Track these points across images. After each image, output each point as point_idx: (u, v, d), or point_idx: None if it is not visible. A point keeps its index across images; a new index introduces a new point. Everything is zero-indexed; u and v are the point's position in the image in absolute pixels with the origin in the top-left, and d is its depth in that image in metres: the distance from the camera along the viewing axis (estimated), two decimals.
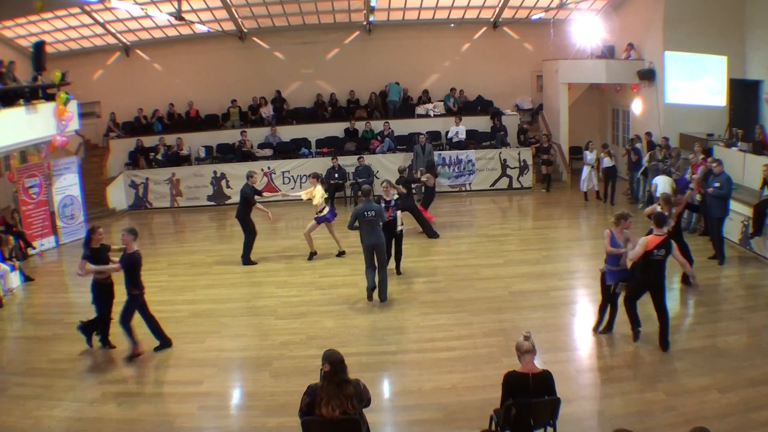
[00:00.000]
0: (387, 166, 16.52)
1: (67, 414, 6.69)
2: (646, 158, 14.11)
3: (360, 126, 17.83)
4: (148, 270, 9.69)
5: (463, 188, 17.08)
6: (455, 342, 7.98)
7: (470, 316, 8.70)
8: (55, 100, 12.76)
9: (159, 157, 17.06)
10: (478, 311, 8.83)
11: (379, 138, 17.45)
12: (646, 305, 7.78)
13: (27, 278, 11.51)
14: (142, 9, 15.01)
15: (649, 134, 14.85)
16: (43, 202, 13.66)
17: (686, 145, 13.51)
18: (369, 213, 9.29)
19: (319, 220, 11.67)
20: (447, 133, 17.60)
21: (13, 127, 11.63)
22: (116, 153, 17.55)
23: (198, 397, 6.96)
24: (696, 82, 14.61)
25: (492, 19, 18.84)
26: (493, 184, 17.05)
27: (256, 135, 17.76)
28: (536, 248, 12.00)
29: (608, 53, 16.84)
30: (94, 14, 16.44)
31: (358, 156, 16.37)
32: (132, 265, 7.74)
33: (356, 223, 9.43)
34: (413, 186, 13.58)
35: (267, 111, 18.37)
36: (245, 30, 18.50)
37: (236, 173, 16.54)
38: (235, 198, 16.20)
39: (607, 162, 14.85)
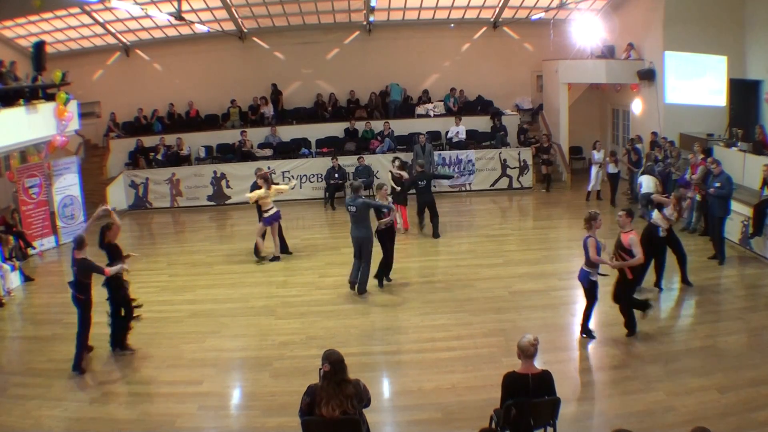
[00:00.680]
0: (387, 166, 16.50)
1: (67, 414, 6.70)
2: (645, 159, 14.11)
3: (360, 126, 17.83)
4: (148, 270, 9.76)
5: (463, 188, 17.08)
6: (455, 342, 7.98)
7: (470, 316, 8.70)
8: (55, 100, 12.76)
9: (159, 157, 17.06)
10: (478, 311, 8.83)
11: (379, 138, 17.45)
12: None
13: (27, 278, 11.51)
14: (142, 9, 15.01)
15: (654, 134, 14.82)
16: (43, 202, 13.65)
17: (686, 145, 13.52)
18: (350, 207, 9.67)
19: (267, 221, 11.58)
20: (447, 133, 17.61)
21: (13, 127, 11.61)
22: (116, 153, 17.55)
23: (198, 397, 6.96)
24: (696, 82, 14.62)
25: (492, 19, 18.84)
26: (493, 184, 17.05)
27: (256, 135, 17.76)
28: (536, 248, 12.00)
29: (608, 53, 16.84)
30: (94, 14, 16.43)
31: (358, 156, 16.37)
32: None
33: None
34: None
35: (267, 110, 18.37)
36: (245, 30, 18.50)
37: (236, 173, 16.55)
38: (236, 198, 16.30)
39: (611, 168, 14.85)
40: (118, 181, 16.86)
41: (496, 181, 17.08)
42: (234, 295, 10.18)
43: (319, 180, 16.77)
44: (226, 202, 16.80)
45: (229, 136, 17.78)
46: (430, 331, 8.34)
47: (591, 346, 7.90)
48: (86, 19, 16.69)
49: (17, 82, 12.65)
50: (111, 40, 18.17)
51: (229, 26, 18.03)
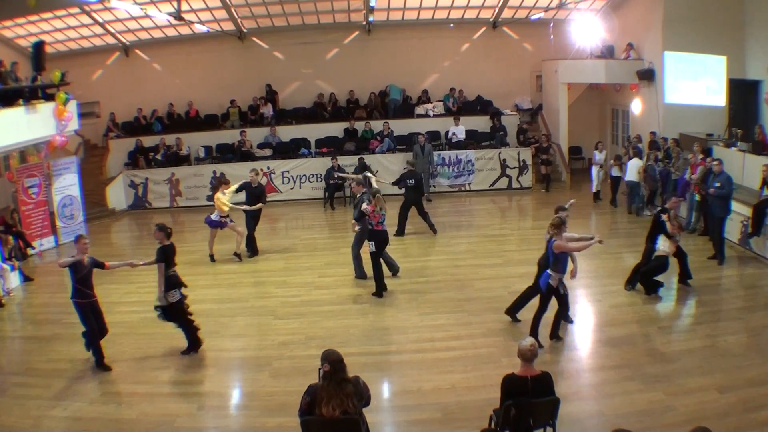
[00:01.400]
0: (387, 166, 16.53)
1: (67, 414, 6.69)
2: (645, 158, 14.10)
3: (360, 126, 17.83)
4: (147, 270, 9.68)
5: (463, 188, 17.09)
6: (455, 342, 7.99)
7: (470, 316, 8.70)
8: (55, 100, 12.76)
9: (159, 157, 17.06)
10: (477, 311, 8.83)
11: (378, 138, 17.45)
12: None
13: (26, 278, 11.51)
14: (142, 9, 15.00)
15: (653, 134, 14.81)
16: (43, 202, 13.65)
17: (686, 145, 13.53)
18: None
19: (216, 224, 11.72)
20: (447, 133, 17.61)
21: (13, 127, 11.61)
22: (116, 153, 17.54)
23: (198, 397, 6.96)
24: (695, 82, 14.63)
25: (491, 19, 18.84)
26: (492, 184, 17.06)
27: (255, 135, 17.76)
28: (536, 248, 11.90)
29: (608, 53, 16.85)
30: (94, 14, 16.43)
31: (358, 156, 16.36)
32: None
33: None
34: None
35: (267, 110, 18.37)
36: (245, 30, 18.50)
37: (236, 173, 16.51)
38: (236, 198, 16.24)
39: (615, 171, 14.80)
40: (117, 181, 16.87)
41: (496, 181, 17.08)
42: (234, 295, 10.18)
43: (319, 180, 16.76)
44: None
45: (229, 136, 17.78)
46: (430, 331, 8.34)
47: (591, 346, 7.91)
48: (86, 19, 16.69)
49: (17, 82, 12.64)
50: (110, 40, 18.17)
51: (228, 26, 18.03)
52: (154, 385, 7.36)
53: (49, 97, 12.88)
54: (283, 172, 16.80)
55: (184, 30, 17.91)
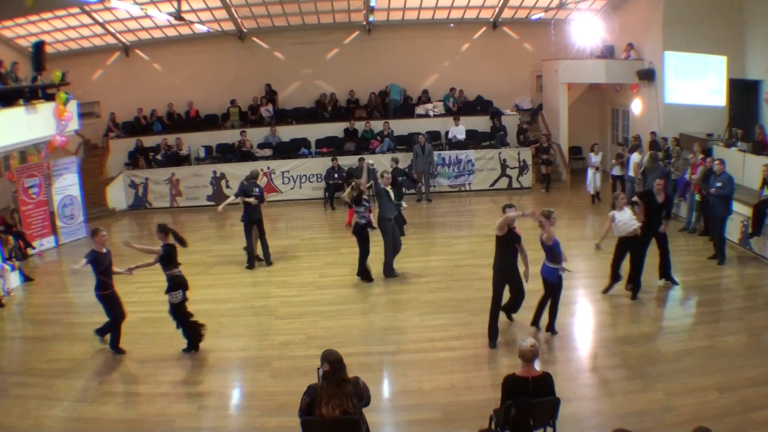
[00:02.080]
0: (387, 166, 16.49)
1: (67, 414, 6.70)
2: (646, 158, 14.07)
3: (360, 126, 17.83)
4: (147, 270, 9.68)
5: (463, 188, 17.09)
6: (455, 342, 7.99)
7: (470, 316, 8.70)
8: (55, 100, 12.76)
9: (159, 157, 17.06)
10: (477, 311, 8.80)
11: (378, 138, 17.45)
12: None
13: (27, 278, 11.51)
14: (142, 9, 15.01)
15: (653, 134, 14.81)
16: (43, 202, 13.65)
17: (686, 145, 13.53)
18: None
19: None
20: (447, 133, 17.61)
21: (13, 127, 11.61)
22: (116, 153, 17.55)
23: (198, 397, 6.96)
24: (696, 82, 14.62)
25: (492, 19, 18.84)
26: (492, 184, 17.06)
27: (255, 135, 17.76)
28: (535, 248, 11.88)
29: (608, 53, 16.85)
30: (94, 14, 16.43)
31: (359, 157, 16.34)
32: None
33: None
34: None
35: (267, 110, 18.37)
36: (245, 30, 18.50)
37: (236, 173, 16.55)
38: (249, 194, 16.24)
39: (616, 171, 14.73)
40: (117, 181, 16.87)
41: (496, 181, 17.08)
42: (234, 295, 10.19)
43: (319, 180, 16.76)
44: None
45: (229, 136, 17.79)
46: (430, 331, 8.34)
47: (591, 346, 7.91)
48: (86, 19, 16.69)
49: (17, 82, 12.64)
50: (111, 40, 18.17)
51: (228, 26, 18.03)
52: (154, 385, 7.36)
53: (50, 97, 12.87)
54: (283, 172, 16.81)
55: (185, 30, 17.92)
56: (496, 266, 7.81)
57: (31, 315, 10.12)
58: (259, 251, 11.61)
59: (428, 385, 6.97)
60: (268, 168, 16.80)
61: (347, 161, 16.44)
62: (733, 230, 11.21)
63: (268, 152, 17.48)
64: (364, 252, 10.32)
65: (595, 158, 15.23)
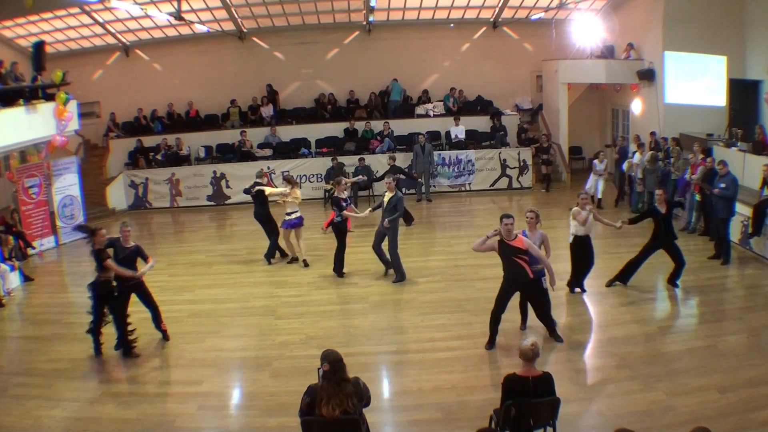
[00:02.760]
0: (387, 166, 16.49)
1: (67, 414, 6.70)
2: (646, 158, 14.06)
3: (360, 126, 17.83)
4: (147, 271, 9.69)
5: (463, 188, 17.09)
6: (455, 342, 7.99)
7: (470, 316, 8.70)
8: (55, 100, 12.75)
9: (159, 157, 17.06)
10: (478, 311, 8.81)
11: (378, 138, 17.45)
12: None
13: (27, 278, 11.50)
14: (142, 9, 15.01)
15: (653, 134, 14.81)
16: (43, 202, 13.65)
17: (686, 145, 13.53)
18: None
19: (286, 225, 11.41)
20: (447, 133, 17.61)
21: (13, 127, 11.61)
22: (116, 153, 17.54)
23: (198, 397, 6.96)
24: (696, 82, 14.63)
25: (492, 19, 18.84)
26: (492, 184, 17.06)
27: (255, 135, 17.76)
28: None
29: (608, 53, 16.84)
30: (94, 14, 16.42)
31: (359, 157, 16.34)
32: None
33: None
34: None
35: (267, 111, 18.38)
36: (245, 30, 18.49)
37: (236, 173, 16.56)
38: (236, 198, 16.28)
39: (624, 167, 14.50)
40: (117, 181, 16.86)
41: (496, 181, 17.08)
42: (234, 295, 10.18)
43: (319, 180, 16.76)
44: (226, 202, 16.80)
45: (229, 136, 17.78)
46: (430, 331, 8.34)
47: (591, 347, 7.91)
48: (86, 19, 16.68)
49: (17, 82, 12.63)
50: (111, 40, 18.16)
51: (228, 26, 18.03)
52: (154, 385, 7.37)
53: (50, 97, 12.87)
54: (283, 172, 16.76)
55: (185, 30, 17.92)
56: (504, 280, 7.78)
57: (31, 315, 10.12)
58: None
59: (428, 385, 6.96)
60: (269, 168, 16.78)
61: (347, 161, 16.43)
62: (733, 230, 11.19)
63: (268, 152, 17.48)
64: (340, 247, 10.59)
65: (600, 165, 14.78)
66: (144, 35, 18.32)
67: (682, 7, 14.26)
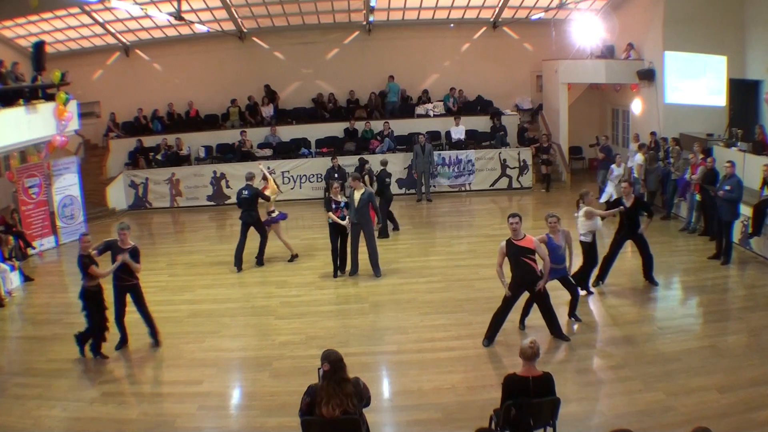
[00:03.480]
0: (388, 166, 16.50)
1: (67, 414, 6.69)
2: (637, 159, 14.00)
3: (360, 126, 17.82)
4: (147, 270, 9.74)
5: (463, 188, 17.09)
6: (455, 342, 7.98)
7: (470, 316, 8.70)
8: (55, 100, 12.76)
9: (159, 157, 17.06)
10: (477, 311, 8.81)
11: (378, 138, 17.45)
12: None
13: (27, 278, 11.51)
14: (142, 9, 15.01)
15: (653, 134, 14.79)
16: (43, 202, 13.65)
17: (686, 145, 13.53)
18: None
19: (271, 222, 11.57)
20: (447, 133, 17.61)
21: (13, 127, 11.62)
22: (116, 153, 17.55)
23: (198, 397, 6.96)
24: (696, 82, 14.62)
25: (492, 19, 18.84)
26: (492, 184, 17.06)
27: (255, 135, 17.76)
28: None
29: (608, 53, 16.85)
30: (94, 14, 16.44)
31: (359, 156, 16.33)
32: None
33: None
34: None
35: (268, 111, 18.38)
36: (245, 30, 18.50)
37: (236, 173, 16.55)
38: (236, 198, 16.22)
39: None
40: (117, 181, 16.87)
41: (496, 181, 17.08)
42: (234, 295, 10.19)
43: (319, 180, 16.76)
44: (226, 202, 16.79)
45: (229, 136, 17.78)
46: (430, 331, 8.34)
47: (591, 346, 7.90)
48: (86, 19, 16.69)
49: (17, 82, 12.63)
50: (111, 40, 18.17)
51: (228, 26, 18.03)
52: (154, 385, 7.38)
53: (50, 97, 12.88)
54: (283, 172, 16.79)
55: (185, 30, 17.92)
56: (513, 280, 7.80)
57: (31, 315, 10.12)
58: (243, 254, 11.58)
59: (428, 385, 6.96)
60: (269, 168, 16.75)
61: (347, 161, 16.42)
62: (733, 230, 11.19)
63: (268, 152, 17.48)
64: (333, 247, 10.66)
65: (617, 170, 13.83)
66: (144, 35, 18.33)
67: (682, 7, 14.26)
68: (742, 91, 13.86)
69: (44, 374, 7.64)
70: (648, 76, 15.44)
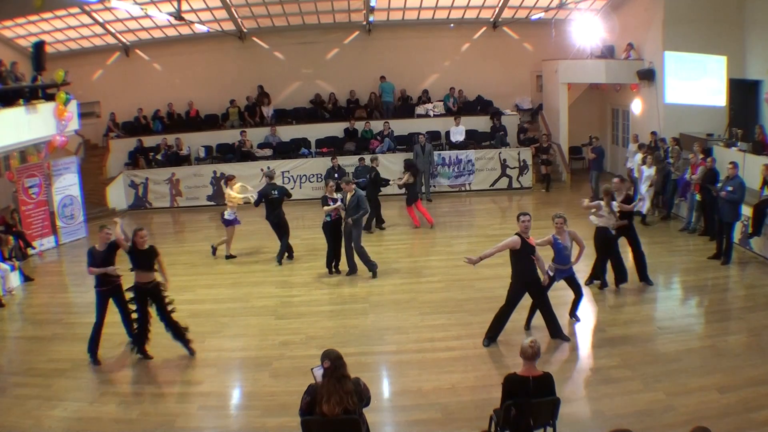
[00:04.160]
0: (387, 166, 16.50)
1: (67, 414, 6.69)
2: (638, 159, 13.98)
3: (360, 126, 17.83)
4: None
5: (463, 188, 17.09)
6: (455, 342, 7.99)
7: (470, 316, 8.70)
8: (55, 100, 12.76)
9: (159, 157, 17.06)
10: (477, 311, 8.82)
11: (378, 138, 17.45)
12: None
13: (27, 278, 11.51)
14: (142, 9, 15.02)
15: (654, 134, 14.78)
16: (43, 202, 13.65)
17: (686, 145, 13.53)
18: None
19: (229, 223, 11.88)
20: (447, 133, 17.61)
21: (13, 127, 11.62)
22: (116, 153, 17.56)
23: (198, 397, 6.96)
24: (696, 82, 14.62)
25: (492, 19, 18.84)
26: (492, 184, 17.06)
27: (255, 135, 17.76)
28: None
29: (608, 53, 16.85)
30: (94, 14, 16.44)
31: (359, 156, 16.32)
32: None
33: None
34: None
35: (268, 111, 18.37)
36: (245, 30, 18.50)
37: (236, 173, 16.48)
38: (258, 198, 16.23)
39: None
40: (117, 181, 16.87)
41: (496, 181, 17.08)
42: (234, 295, 10.18)
43: (319, 180, 16.76)
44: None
45: (229, 136, 17.79)
46: (430, 331, 8.34)
47: (591, 346, 7.91)
48: (86, 19, 16.70)
49: (17, 82, 12.63)
50: (111, 40, 18.17)
51: (228, 26, 18.04)
52: (154, 385, 7.37)
53: (50, 97, 12.87)
54: (283, 172, 16.79)
55: (185, 30, 17.92)
56: (519, 280, 7.76)
57: (31, 315, 10.12)
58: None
59: (428, 385, 6.96)
60: (269, 168, 16.76)
61: (347, 161, 16.42)
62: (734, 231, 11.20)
63: (268, 152, 17.48)
64: (330, 247, 10.78)
65: (648, 172, 13.04)
66: (144, 35, 18.33)
67: (682, 7, 14.27)
68: (742, 91, 13.86)
69: (44, 374, 7.64)
70: (648, 76, 15.44)
